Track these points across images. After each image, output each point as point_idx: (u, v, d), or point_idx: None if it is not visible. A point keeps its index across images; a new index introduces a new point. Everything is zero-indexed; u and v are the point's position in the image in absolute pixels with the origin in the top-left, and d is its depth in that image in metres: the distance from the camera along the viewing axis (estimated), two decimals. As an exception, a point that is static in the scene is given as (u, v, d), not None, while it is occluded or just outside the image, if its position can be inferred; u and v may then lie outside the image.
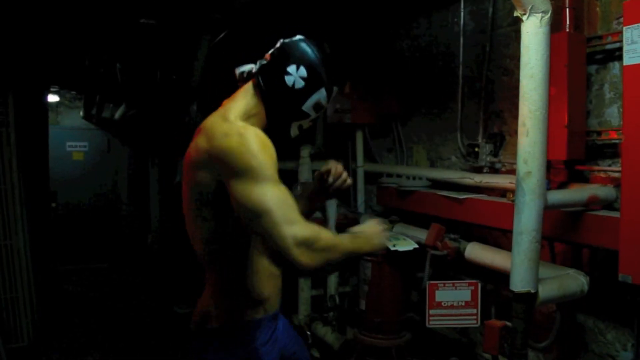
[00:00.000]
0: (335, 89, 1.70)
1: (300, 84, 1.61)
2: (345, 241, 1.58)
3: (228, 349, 1.66)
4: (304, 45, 1.65)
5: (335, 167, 1.83)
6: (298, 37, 1.69)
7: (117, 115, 7.39)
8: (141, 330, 4.82)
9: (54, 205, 6.96)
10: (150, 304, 5.57)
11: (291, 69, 1.61)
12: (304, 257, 1.40)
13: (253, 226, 1.45)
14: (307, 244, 1.40)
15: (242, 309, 1.71)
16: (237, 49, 4.44)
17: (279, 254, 1.47)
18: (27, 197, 4.44)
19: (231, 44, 4.51)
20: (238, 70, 1.69)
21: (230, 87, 1.72)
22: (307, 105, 1.64)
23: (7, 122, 4.25)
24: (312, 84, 1.62)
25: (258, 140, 1.47)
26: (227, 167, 1.46)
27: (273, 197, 1.42)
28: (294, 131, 1.70)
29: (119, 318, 5.18)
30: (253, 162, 1.43)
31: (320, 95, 1.65)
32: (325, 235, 1.48)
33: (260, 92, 1.64)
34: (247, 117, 1.60)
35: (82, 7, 4.07)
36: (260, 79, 1.63)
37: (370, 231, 1.71)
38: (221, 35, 4.44)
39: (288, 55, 1.62)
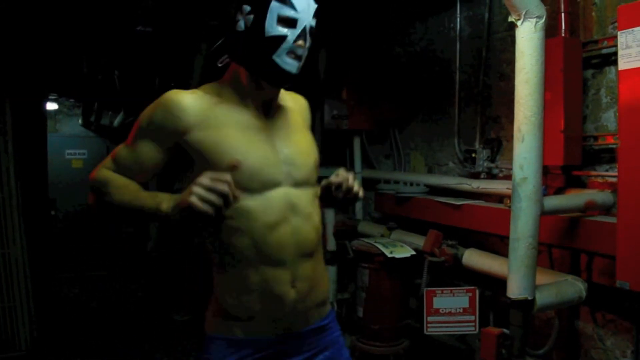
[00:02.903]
0: None
1: (250, 19, 1.41)
2: (133, 196, 1.43)
3: None
4: None
5: (346, 179, 1.53)
6: None
7: (116, 122, 7.41)
8: (140, 337, 4.80)
9: (53, 213, 6.96)
10: (149, 312, 5.55)
11: (238, 17, 1.44)
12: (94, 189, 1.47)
13: None
14: (92, 182, 1.48)
15: (210, 318, 1.54)
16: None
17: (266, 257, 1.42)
18: (26, 205, 4.43)
19: (262, 8, 4.50)
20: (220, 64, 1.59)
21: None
22: (270, 28, 1.39)
23: (5, 131, 4.26)
24: (258, 8, 1.40)
25: (156, 101, 1.47)
26: None
27: (115, 150, 1.52)
28: (284, 63, 1.42)
29: (118, 326, 5.15)
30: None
31: (275, 8, 1.38)
32: (109, 183, 1.45)
33: (232, 60, 1.52)
34: (209, 87, 1.51)
35: (79, 15, 4.08)
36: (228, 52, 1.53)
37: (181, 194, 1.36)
38: (219, 42, 4.45)
39: (233, 11, 1.47)
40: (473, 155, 3.30)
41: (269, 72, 1.43)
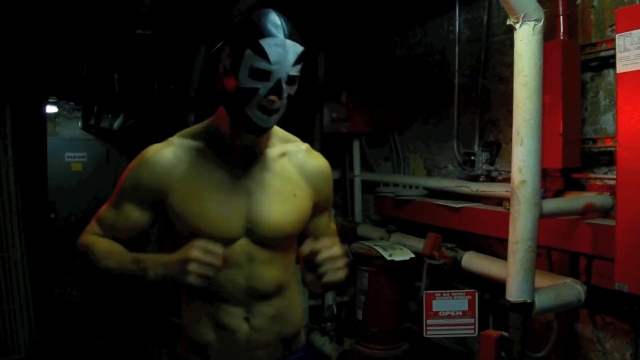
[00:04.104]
0: (276, 38, 1.28)
1: (228, 63, 1.33)
2: (117, 261, 1.42)
3: None
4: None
5: (328, 248, 1.31)
6: None
7: (115, 125, 7.41)
8: (139, 340, 4.79)
9: (52, 216, 6.95)
10: (149, 315, 5.54)
11: (222, 55, 1.36)
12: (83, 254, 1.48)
13: None
14: (79, 247, 1.51)
15: (180, 344, 1.60)
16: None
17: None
18: (25, 208, 4.43)
19: (238, 57, 4.51)
20: None
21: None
22: (242, 79, 1.29)
23: (5, 134, 4.27)
24: (234, 55, 1.30)
25: (134, 161, 1.47)
26: None
27: (98, 211, 1.54)
28: (255, 116, 1.32)
29: (117, 328, 5.15)
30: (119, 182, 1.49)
31: (248, 58, 1.27)
32: (94, 249, 1.47)
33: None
34: (195, 130, 1.48)
35: (79, 18, 4.09)
36: None
37: (167, 259, 1.33)
38: (219, 45, 4.45)
39: (222, 44, 1.39)
40: (472, 158, 3.30)
41: (241, 122, 1.35)
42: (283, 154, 1.51)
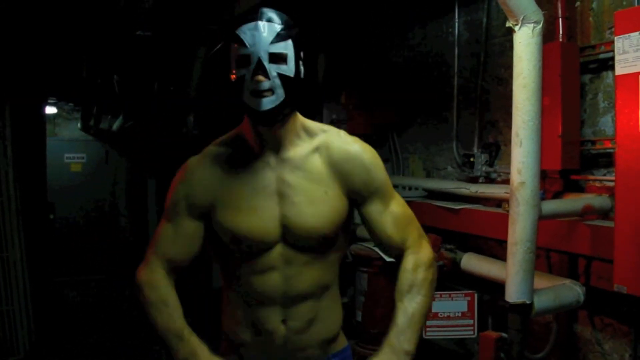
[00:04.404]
0: (249, 23, 1.33)
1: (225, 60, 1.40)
2: (164, 321, 1.47)
3: None
4: None
5: None
6: None
7: (114, 126, 7.41)
8: (139, 340, 4.79)
9: (51, 216, 6.95)
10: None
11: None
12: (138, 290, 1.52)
13: None
14: (137, 283, 1.51)
15: (222, 341, 1.62)
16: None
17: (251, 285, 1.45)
18: (24, 209, 4.43)
19: (228, 54, 4.52)
20: None
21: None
22: (233, 71, 1.35)
23: (4, 135, 4.27)
24: (225, 50, 1.38)
25: (179, 174, 1.50)
26: None
27: (157, 229, 1.53)
28: (250, 102, 1.32)
29: (117, 328, 5.15)
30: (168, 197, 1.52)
31: (233, 50, 1.34)
32: (149, 294, 1.49)
33: None
34: (228, 138, 1.51)
35: (79, 19, 4.09)
36: None
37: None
38: (218, 46, 4.45)
39: None
40: (471, 159, 3.31)
41: (245, 112, 1.38)
42: (315, 150, 1.45)
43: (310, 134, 1.47)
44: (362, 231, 4.08)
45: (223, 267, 1.53)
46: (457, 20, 3.50)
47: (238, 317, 1.50)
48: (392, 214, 1.50)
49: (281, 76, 1.31)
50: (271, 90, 1.31)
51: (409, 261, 1.47)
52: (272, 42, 1.31)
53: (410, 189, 3.81)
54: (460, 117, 3.51)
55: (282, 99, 1.32)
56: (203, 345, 1.45)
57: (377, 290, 3.41)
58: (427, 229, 3.31)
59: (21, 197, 4.37)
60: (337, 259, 1.53)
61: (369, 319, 3.44)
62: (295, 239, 1.42)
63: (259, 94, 1.31)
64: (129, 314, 5.63)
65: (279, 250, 1.43)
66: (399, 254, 1.51)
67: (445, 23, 3.68)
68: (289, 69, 1.32)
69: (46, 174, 5.90)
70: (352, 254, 3.60)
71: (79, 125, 8.00)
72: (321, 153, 1.45)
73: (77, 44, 4.76)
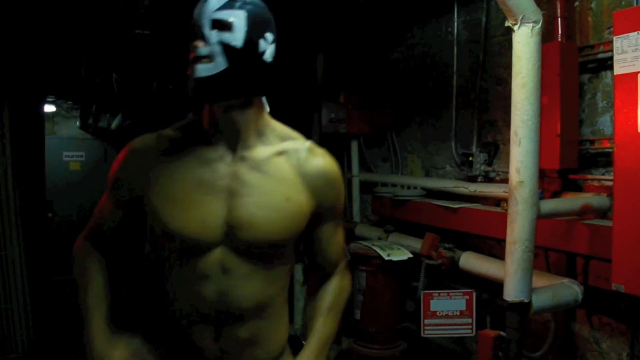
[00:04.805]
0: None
1: None
2: (80, 294, 1.47)
3: None
4: None
5: None
6: None
7: (113, 125, 7.39)
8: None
9: (50, 215, 6.94)
10: (147, 313, 5.53)
11: None
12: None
13: None
14: (74, 252, 1.51)
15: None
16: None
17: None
18: (23, 207, 4.42)
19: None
20: None
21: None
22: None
23: (3, 133, 4.26)
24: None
25: (120, 155, 1.45)
26: None
27: (97, 207, 1.49)
28: (193, 72, 1.24)
29: (116, 327, 5.14)
30: None
31: (190, 28, 1.27)
32: (75, 265, 1.52)
33: None
34: (186, 123, 1.41)
35: (77, 17, 4.09)
36: None
37: (92, 344, 1.48)
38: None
39: None
40: (470, 158, 3.32)
41: (188, 88, 1.26)
42: (280, 153, 1.34)
43: (277, 136, 1.37)
44: (360, 230, 4.09)
45: (157, 264, 1.43)
46: (456, 19, 3.50)
47: (171, 327, 1.38)
48: (339, 237, 1.48)
49: (223, 44, 1.21)
50: (209, 57, 1.21)
51: (336, 284, 1.50)
52: (217, 10, 1.22)
53: (408, 188, 3.82)
54: (459, 117, 3.51)
55: (221, 68, 1.20)
56: (105, 328, 1.47)
57: (375, 289, 3.42)
58: (426, 227, 3.35)
59: (20, 196, 4.37)
60: (283, 273, 1.39)
61: (368, 317, 3.44)
62: (239, 242, 1.28)
63: (196, 59, 1.21)
64: (126, 311, 5.63)
65: (217, 255, 1.28)
66: (326, 274, 1.51)
67: (445, 23, 3.68)
68: (233, 37, 1.21)
69: (45, 173, 5.89)
70: (350, 253, 3.60)
71: (77, 123, 7.98)
72: (290, 158, 1.34)
73: (76, 42, 4.74)
